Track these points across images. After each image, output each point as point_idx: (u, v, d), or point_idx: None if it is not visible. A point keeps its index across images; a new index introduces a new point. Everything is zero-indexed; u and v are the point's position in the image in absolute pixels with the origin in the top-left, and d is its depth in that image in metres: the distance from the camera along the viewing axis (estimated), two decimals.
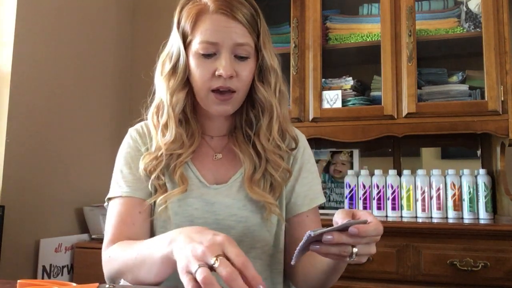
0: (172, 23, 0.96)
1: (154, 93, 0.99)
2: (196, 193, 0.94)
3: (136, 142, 0.99)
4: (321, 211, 1.07)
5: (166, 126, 0.94)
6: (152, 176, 0.93)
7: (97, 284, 0.73)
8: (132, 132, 1.02)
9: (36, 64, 2.01)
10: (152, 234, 0.94)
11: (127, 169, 0.96)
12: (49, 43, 2.09)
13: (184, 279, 0.62)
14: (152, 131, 0.98)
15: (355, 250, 0.70)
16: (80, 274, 2.10)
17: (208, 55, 0.90)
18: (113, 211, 0.93)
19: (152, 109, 0.98)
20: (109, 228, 0.92)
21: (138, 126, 1.03)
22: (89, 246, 2.12)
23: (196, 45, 0.90)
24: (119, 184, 0.95)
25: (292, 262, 0.72)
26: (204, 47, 0.89)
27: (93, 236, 2.22)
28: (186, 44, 0.93)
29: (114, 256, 0.85)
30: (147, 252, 0.76)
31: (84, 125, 2.30)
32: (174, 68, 0.94)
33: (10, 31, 1.90)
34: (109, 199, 0.96)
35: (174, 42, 0.95)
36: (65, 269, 2.10)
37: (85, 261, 2.07)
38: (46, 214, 2.05)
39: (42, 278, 1.95)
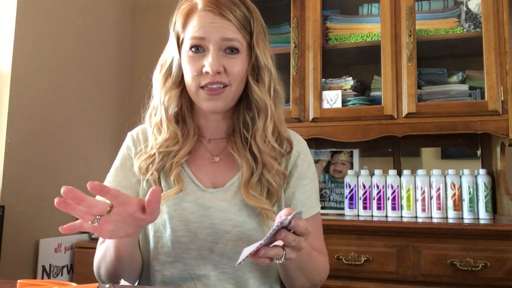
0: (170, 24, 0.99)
1: (153, 95, 1.01)
2: (192, 197, 0.93)
3: (129, 149, 1.01)
4: (321, 211, 1.06)
5: (160, 125, 0.96)
6: (148, 175, 0.94)
7: (97, 284, 0.73)
8: (128, 138, 1.03)
9: (36, 64, 2.01)
10: (144, 234, 0.96)
11: (115, 175, 0.99)
12: (49, 43, 2.09)
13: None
14: (149, 132, 0.99)
15: (284, 252, 0.73)
16: (80, 274, 2.10)
17: (197, 52, 0.90)
18: None
19: (149, 110, 0.99)
20: None
21: (134, 131, 1.04)
22: (88, 246, 2.12)
23: (186, 42, 0.92)
24: None
25: (238, 263, 0.74)
26: (192, 43, 0.90)
27: (92, 236, 2.22)
28: (180, 44, 0.95)
29: (96, 255, 0.96)
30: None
31: (84, 125, 2.30)
32: (170, 68, 0.96)
33: (10, 31, 1.90)
34: None
35: (170, 43, 0.97)
36: (65, 269, 2.10)
37: (85, 261, 2.07)
38: (46, 214, 2.05)
39: (42, 278, 1.95)
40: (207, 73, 0.88)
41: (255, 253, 0.72)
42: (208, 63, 0.88)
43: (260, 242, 0.71)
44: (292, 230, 0.71)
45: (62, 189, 0.66)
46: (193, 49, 0.90)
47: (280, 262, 0.73)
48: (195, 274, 0.91)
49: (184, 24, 0.93)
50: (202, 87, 0.90)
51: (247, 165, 0.94)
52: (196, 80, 0.90)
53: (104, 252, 0.90)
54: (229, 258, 0.91)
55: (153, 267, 0.94)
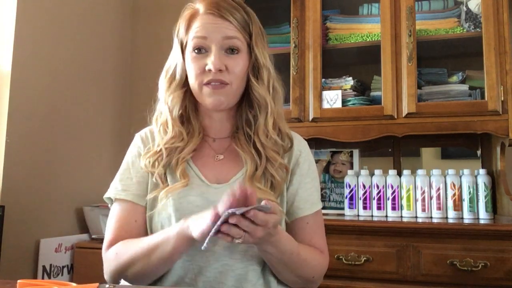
0: (171, 24, 1.03)
1: (159, 99, 1.05)
2: (197, 191, 0.96)
3: (139, 148, 1.05)
4: (321, 211, 1.07)
5: (166, 125, 1.00)
6: (155, 171, 0.97)
7: (97, 284, 0.73)
8: (136, 138, 1.07)
9: (36, 64, 2.01)
10: (150, 227, 0.98)
11: (126, 173, 1.02)
12: (49, 43, 2.09)
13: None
14: (156, 133, 1.03)
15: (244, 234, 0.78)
16: (80, 274, 2.10)
17: (200, 52, 0.96)
18: (113, 214, 0.99)
19: (156, 113, 1.04)
20: (108, 231, 0.98)
21: (142, 132, 1.08)
22: (89, 246, 2.12)
23: (189, 43, 0.97)
24: (116, 186, 1.01)
25: (203, 247, 0.78)
26: (195, 42, 0.96)
27: (93, 236, 2.22)
28: (183, 48, 0.99)
29: (121, 251, 0.92)
30: (160, 237, 0.88)
31: (84, 125, 2.30)
32: (174, 72, 1.01)
33: (10, 31, 1.90)
34: (109, 198, 1.02)
35: (174, 49, 1.02)
36: (65, 269, 2.10)
37: (85, 261, 2.07)
38: (46, 214, 2.05)
39: (42, 278, 1.95)
40: (209, 70, 0.93)
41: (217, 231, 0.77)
42: (210, 61, 0.93)
43: (218, 223, 0.77)
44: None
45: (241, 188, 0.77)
46: (196, 50, 0.95)
47: (239, 242, 0.78)
48: (198, 266, 0.93)
49: (187, 28, 0.98)
50: (205, 84, 0.95)
51: (251, 160, 0.98)
52: (199, 77, 0.95)
53: (149, 250, 0.88)
54: (231, 251, 0.94)
55: None
